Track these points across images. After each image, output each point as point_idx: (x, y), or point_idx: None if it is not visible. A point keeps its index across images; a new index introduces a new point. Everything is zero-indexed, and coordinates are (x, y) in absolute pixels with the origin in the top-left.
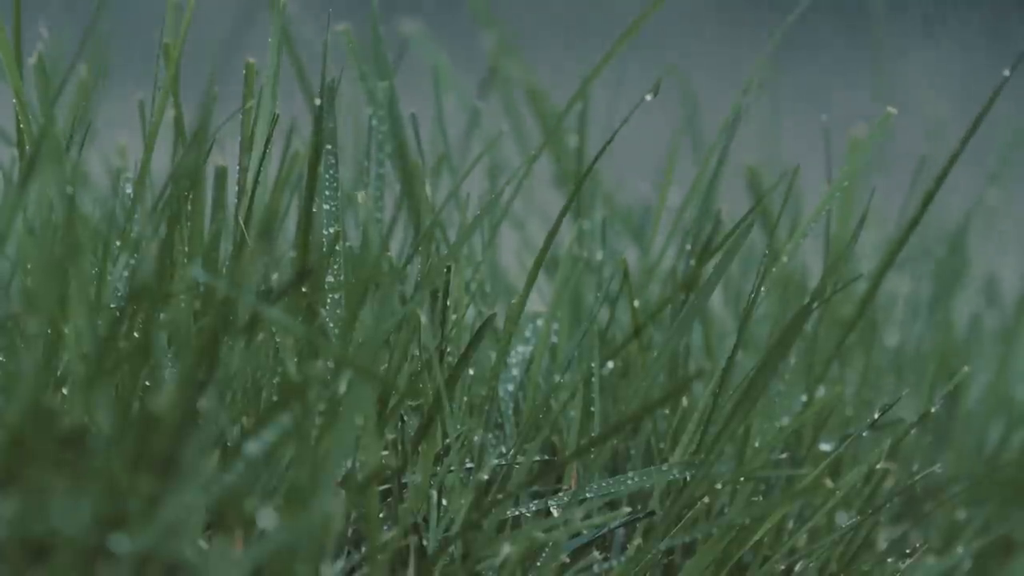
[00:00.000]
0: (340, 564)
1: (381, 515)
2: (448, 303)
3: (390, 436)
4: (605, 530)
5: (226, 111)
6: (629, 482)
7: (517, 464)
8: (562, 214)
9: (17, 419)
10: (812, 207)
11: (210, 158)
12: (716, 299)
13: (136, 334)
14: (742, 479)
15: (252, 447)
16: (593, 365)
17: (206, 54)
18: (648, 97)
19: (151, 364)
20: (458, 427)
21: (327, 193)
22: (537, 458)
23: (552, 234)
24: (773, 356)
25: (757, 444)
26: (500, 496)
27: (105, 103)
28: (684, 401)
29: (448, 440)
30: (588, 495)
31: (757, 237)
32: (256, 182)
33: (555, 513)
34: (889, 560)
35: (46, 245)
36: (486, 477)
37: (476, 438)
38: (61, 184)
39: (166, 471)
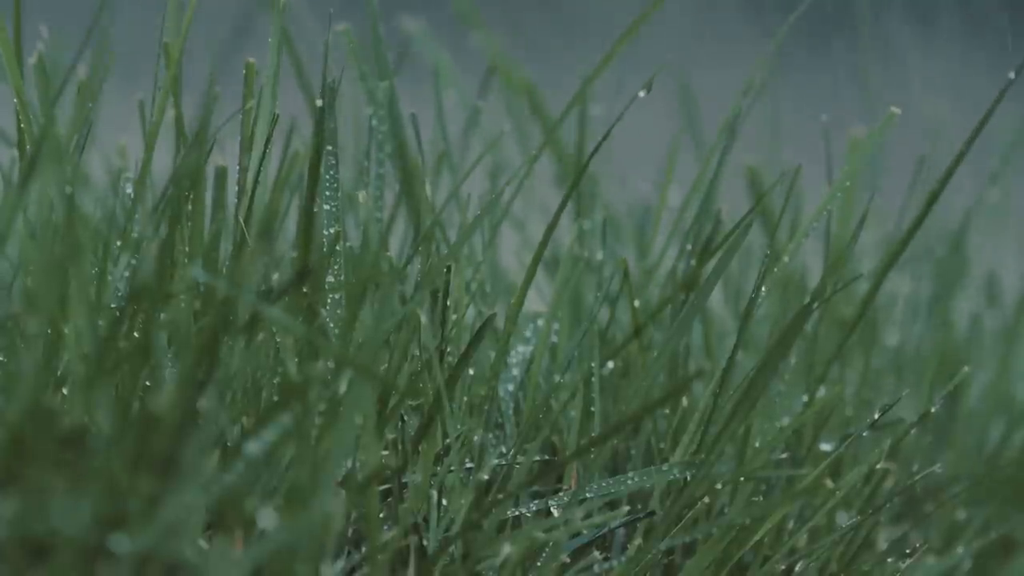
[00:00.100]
0: (340, 564)
1: (381, 515)
2: (448, 303)
3: (390, 436)
4: (605, 530)
5: (227, 111)
6: (629, 482)
7: (517, 464)
8: (558, 212)
9: (17, 419)
10: (812, 207)
11: (210, 158)
12: (716, 299)
13: (136, 334)
14: (742, 479)
15: (252, 447)
16: (593, 365)
17: (207, 54)
18: (642, 94)
19: (151, 364)
20: (458, 427)
21: (327, 193)
22: (537, 458)
23: (551, 228)
24: (773, 356)
25: (757, 444)
26: (500, 496)
27: (106, 103)
28: (684, 401)
29: (448, 440)
30: (588, 495)
31: (757, 237)
32: (256, 182)
33: (555, 513)
34: (889, 560)
35: (46, 245)
36: (486, 477)
37: (476, 438)
38: (61, 184)
39: (166, 471)
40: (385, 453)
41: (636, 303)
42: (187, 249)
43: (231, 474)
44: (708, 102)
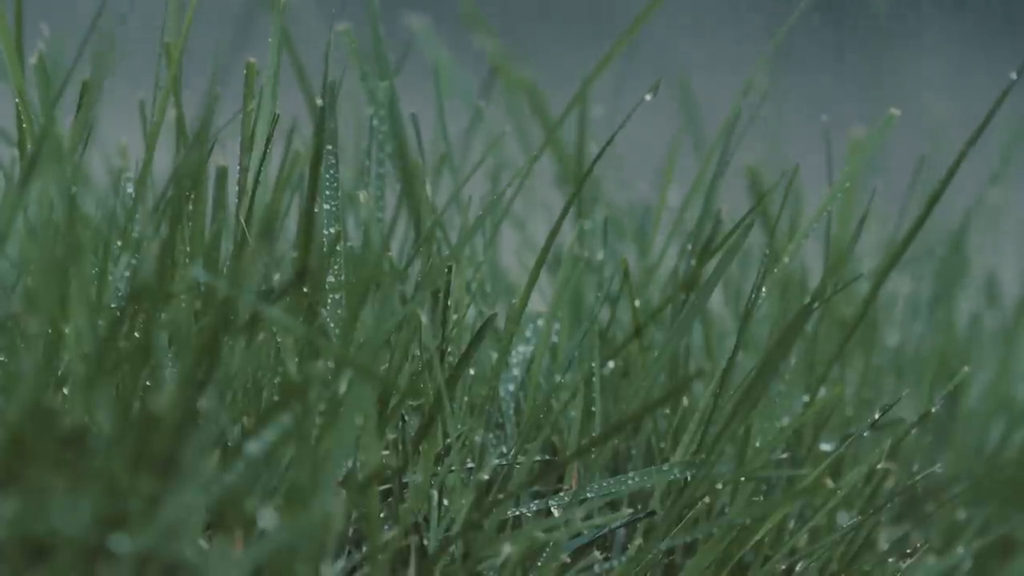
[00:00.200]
0: (340, 564)
1: (382, 515)
2: (449, 303)
3: (391, 436)
4: (606, 530)
5: (228, 111)
6: (630, 482)
7: (518, 464)
8: (562, 216)
9: (17, 419)
10: (812, 207)
11: (211, 158)
12: (716, 299)
13: (136, 334)
14: (743, 479)
15: (252, 447)
16: (594, 365)
17: (208, 54)
18: (648, 97)
19: (151, 364)
20: (459, 427)
21: (327, 193)
22: (538, 458)
23: (553, 233)
24: (773, 356)
25: (758, 444)
26: (501, 496)
27: (106, 103)
28: (684, 401)
29: (449, 440)
30: (589, 495)
31: (757, 237)
32: (257, 182)
33: (556, 513)
34: (890, 560)
35: (47, 245)
36: (487, 477)
37: (477, 438)
38: (62, 184)
39: (166, 471)
40: (385, 453)
41: (637, 303)
42: (188, 249)
43: (231, 474)
44: (708, 102)
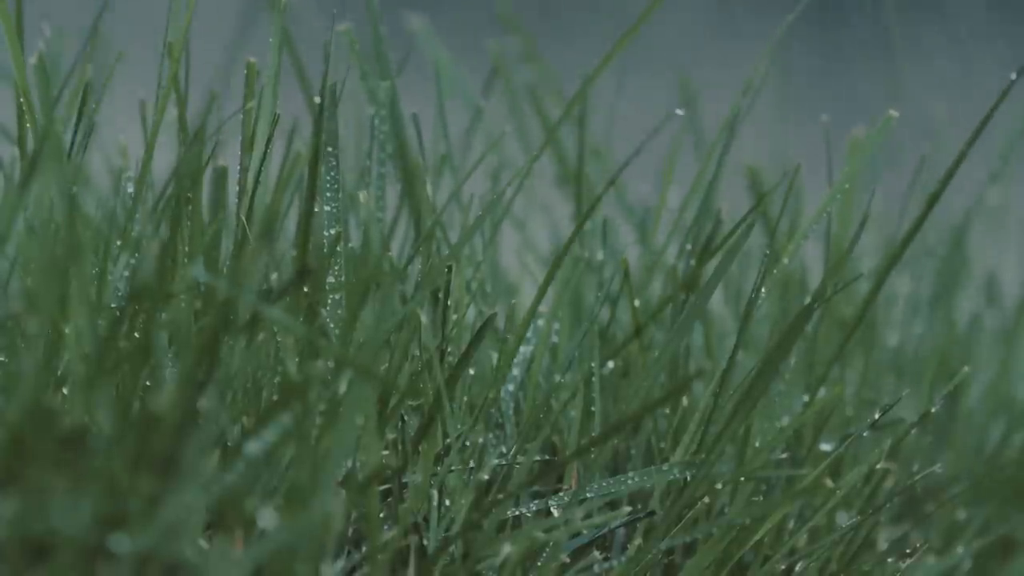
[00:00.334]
0: (340, 564)
1: (381, 515)
2: (449, 303)
3: (390, 436)
4: (605, 530)
5: (229, 111)
6: (629, 482)
7: (517, 464)
8: (570, 241)
9: (17, 419)
10: (812, 207)
11: (211, 158)
12: (716, 299)
13: (136, 334)
14: (742, 479)
15: (252, 447)
16: (593, 365)
17: (209, 54)
18: (679, 112)
19: (151, 364)
20: (458, 427)
21: (328, 194)
22: (537, 458)
23: (566, 246)
24: (774, 356)
25: (757, 444)
26: (500, 496)
27: (107, 102)
28: (684, 401)
29: (448, 440)
30: (588, 495)
31: (757, 237)
32: (257, 182)
33: (555, 513)
34: (889, 560)
35: (47, 245)
36: (486, 477)
37: (480, 440)
38: (62, 184)
39: (166, 471)
40: (385, 453)
41: (636, 303)
42: (187, 249)
43: (231, 474)
44: (709, 102)
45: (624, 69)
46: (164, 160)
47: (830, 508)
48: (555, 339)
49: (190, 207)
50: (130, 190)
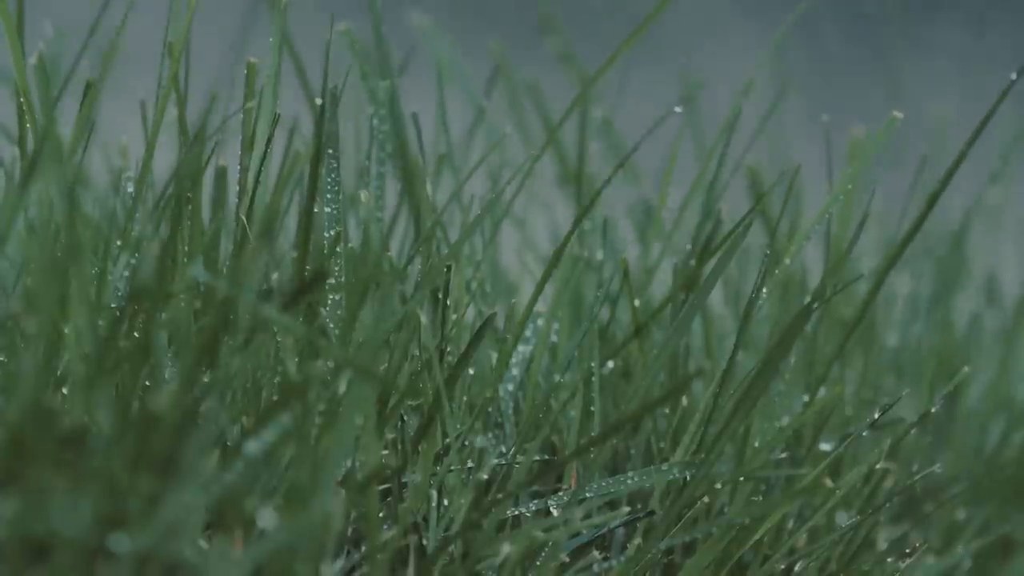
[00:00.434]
0: (340, 564)
1: (381, 515)
2: (448, 303)
3: (390, 436)
4: (605, 530)
5: (229, 111)
6: (629, 482)
7: (517, 464)
8: (573, 226)
9: (17, 419)
10: (813, 207)
11: (211, 158)
12: (716, 299)
13: (136, 334)
14: (742, 479)
15: (252, 447)
16: (593, 365)
17: (209, 54)
18: (678, 109)
19: (151, 364)
20: (458, 427)
21: (328, 195)
22: (537, 458)
23: (564, 242)
24: (773, 356)
25: (757, 444)
26: (500, 496)
27: (107, 102)
28: (684, 401)
29: (448, 440)
30: (588, 495)
31: (757, 237)
32: (257, 182)
33: (555, 513)
34: (889, 560)
35: (46, 245)
36: (486, 477)
37: (479, 440)
38: (62, 184)
39: (166, 471)
40: (385, 453)
41: (636, 303)
42: (187, 249)
43: (231, 474)
44: (709, 102)
45: (627, 68)
46: (164, 160)
47: (830, 508)
48: (555, 339)
49: (190, 207)
50: (130, 190)
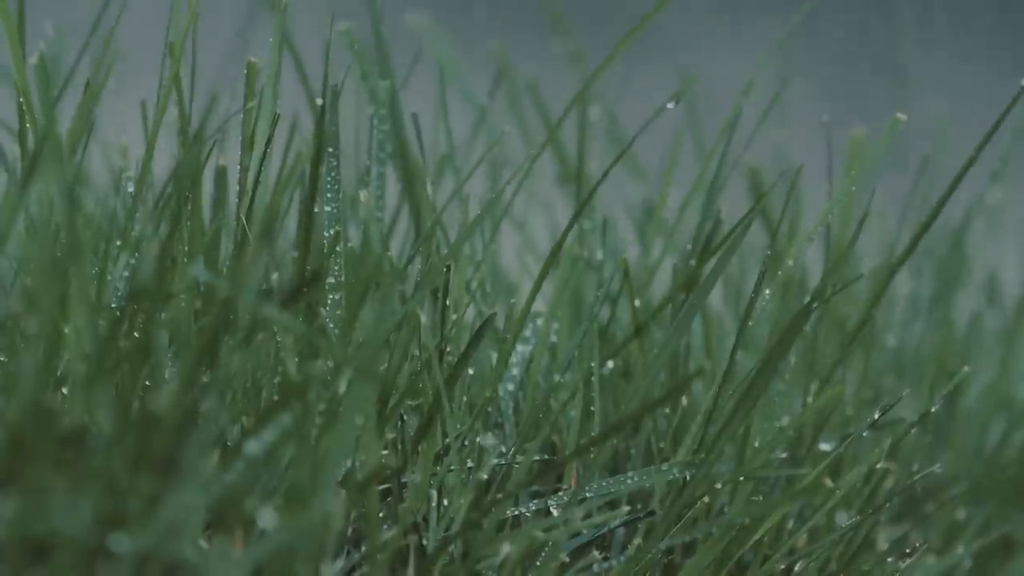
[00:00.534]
0: (340, 563)
1: (381, 514)
2: (448, 303)
3: (390, 436)
4: (605, 530)
5: (229, 111)
6: (629, 482)
7: (517, 464)
8: (570, 223)
9: (17, 419)
10: (812, 207)
11: (211, 158)
12: (716, 299)
13: (136, 334)
14: (742, 479)
15: (252, 447)
16: (593, 365)
17: (209, 54)
18: (670, 105)
19: (151, 364)
20: (458, 427)
21: (328, 195)
22: (537, 458)
23: (562, 238)
24: (773, 356)
25: (757, 444)
26: (500, 496)
27: (107, 102)
28: (684, 401)
29: (448, 440)
30: (588, 495)
31: (757, 237)
32: (257, 182)
33: (555, 513)
34: (889, 560)
35: (46, 245)
36: (486, 477)
37: (478, 440)
38: (62, 184)
39: (166, 471)
40: (385, 453)
41: (637, 303)
42: (187, 249)
43: (231, 474)
44: (709, 102)
45: (629, 68)
46: (164, 160)
47: (830, 508)
48: (554, 339)
49: (190, 207)
50: (130, 190)
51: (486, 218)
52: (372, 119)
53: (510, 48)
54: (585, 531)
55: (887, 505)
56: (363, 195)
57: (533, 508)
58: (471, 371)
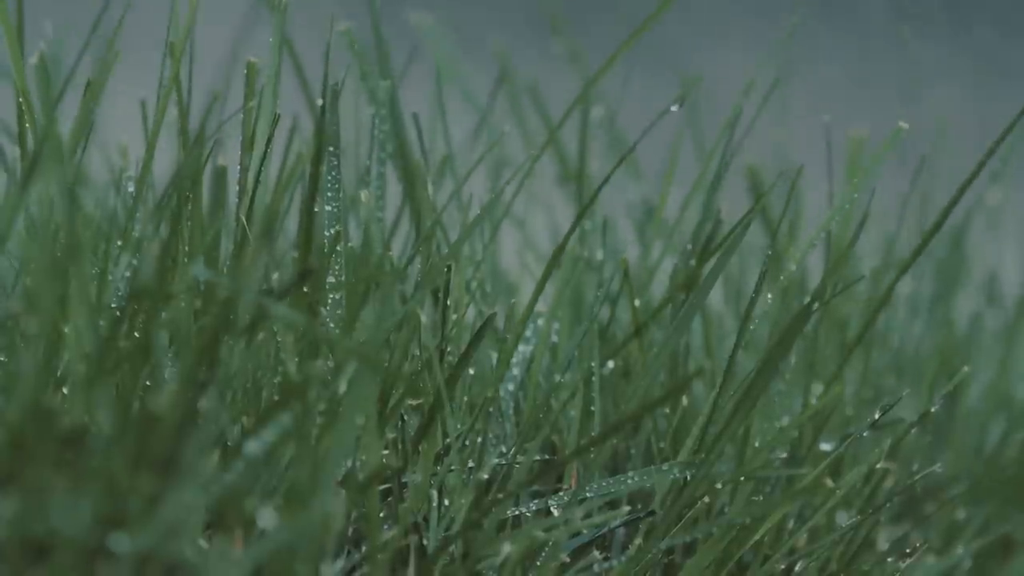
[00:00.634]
0: (340, 564)
1: (381, 514)
2: (448, 303)
3: (390, 435)
4: (605, 529)
5: (230, 111)
6: (629, 481)
7: (517, 464)
8: (573, 224)
9: (17, 419)
10: (813, 206)
11: (211, 158)
12: (717, 298)
13: (137, 334)
14: (742, 479)
15: (252, 447)
16: (593, 364)
17: (210, 54)
18: (674, 108)
19: (151, 364)
20: (458, 427)
21: (329, 194)
22: (537, 457)
23: (564, 240)
24: (773, 356)
25: (757, 444)
26: (500, 495)
27: (107, 102)
28: (684, 401)
29: (448, 440)
30: (588, 494)
31: (757, 237)
32: (257, 182)
33: (555, 512)
34: (889, 560)
35: (46, 245)
36: (486, 476)
37: (479, 439)
38: (62, 184)
39: (166, 471)
40: (385, 453)
41: (636, 303)
42: (187, 249)
43: (231, 474)
44: (709, 102)
45: (629, 68)
46: (164, 160)
47: (830, 508)
48: (555, 339)
49: (190, 207)
50: (130, 190)
51: (486, 218)
52: (372, 119)
53: (510, 48)
54: (585, 531)
55: (887, 505)
56: (363, 195)
57: (533, 508)
58: (471, 371)
